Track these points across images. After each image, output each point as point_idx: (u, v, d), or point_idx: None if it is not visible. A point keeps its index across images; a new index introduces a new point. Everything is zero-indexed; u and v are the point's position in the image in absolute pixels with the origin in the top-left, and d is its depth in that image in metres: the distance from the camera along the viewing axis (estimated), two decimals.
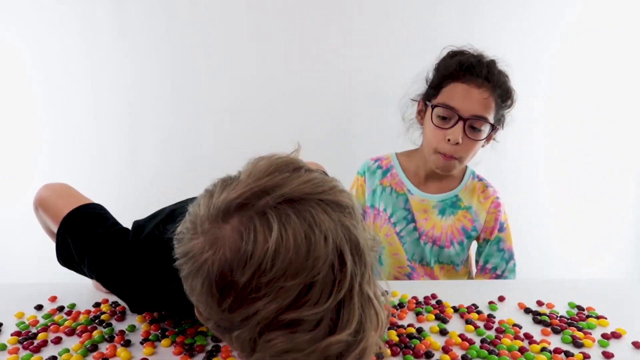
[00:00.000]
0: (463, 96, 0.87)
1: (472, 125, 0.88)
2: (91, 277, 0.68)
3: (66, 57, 1.38)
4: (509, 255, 1.00)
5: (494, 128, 0.91)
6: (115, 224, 0.68)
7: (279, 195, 0.38)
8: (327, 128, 1.42)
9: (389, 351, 0.59)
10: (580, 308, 0.74)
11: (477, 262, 1.04)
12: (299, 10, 1.36)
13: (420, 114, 0.98)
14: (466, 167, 1.04)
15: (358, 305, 0.38)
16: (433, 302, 0.77)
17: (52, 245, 0.80)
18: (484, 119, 0.88)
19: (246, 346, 0.39)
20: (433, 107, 0.91)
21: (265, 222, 0.37)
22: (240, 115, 1.42)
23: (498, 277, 1.00)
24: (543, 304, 0.76)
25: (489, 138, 0.94)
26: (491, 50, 1.39)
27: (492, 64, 0.91)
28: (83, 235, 0.65)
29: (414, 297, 0.78)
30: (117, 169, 1.45)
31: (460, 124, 0.87)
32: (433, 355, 0.59)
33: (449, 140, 0.88)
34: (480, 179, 1.03)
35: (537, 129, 1.47)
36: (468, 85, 0.87)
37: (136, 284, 0.62)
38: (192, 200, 0.75)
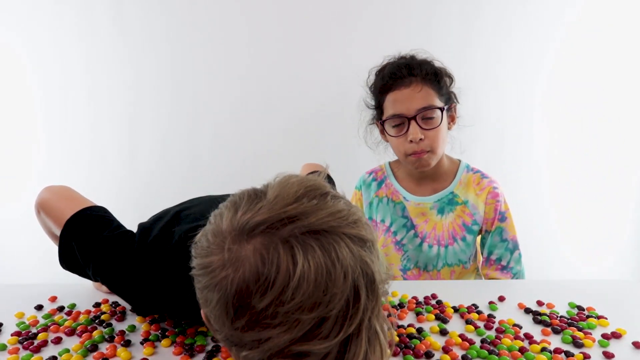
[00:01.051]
0: (401, 100, 0.92)
1: (423, 118, 0.92)
2: (95, 281, 0.68)
3: (64, 57, 1.38)
4: (513, 245, 0.99)
5: (446, 109, 0.95)
6: (120, 226, 0.68)
7: (305, 225, 0.37)
8: (328, 128, 1.42)
9: None
10: (580, 308, 0.74)
11: (482, 254, 1.03)
12: (299, 11, 1.36)
13: (383, 133, 1.03)
14: (459, 162, 1.05)
15: (365, 340, 0.38)
16: (433, 302, 0.77)
17: (52, 245, 0.80)
18: (429, 107, 0.92)
19: None
20: (383, 122, 0.97)
21: (289, 251, 0.36)
22: (240, 116, 1.42)
23: (504, 268, 0.98)
24: (543, 304, 0.76)
25: (452, 119, 0.99)
26: (492, 50, 1.40)
27: (410, 60, 0.97)
28: (87, 238, 0.65)
29: (414, 297, 0.78)
30: (116, 170, 1.45)
31: (413, 123, 0.91)
32: (433, 355, 0.59)
33: (411, 141, 0.92)
34: (476, 171, 1.03)
35: (537, 129, 1.47)
36: (399, 90, 0.93)
37: (143, 287, 0.61)
38: (196, 200, 0.75)
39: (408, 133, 0.92)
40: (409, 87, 0.92)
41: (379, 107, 0.99)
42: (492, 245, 0.99)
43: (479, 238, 1.06)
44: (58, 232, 0.68)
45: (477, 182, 1.01)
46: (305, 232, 0.37)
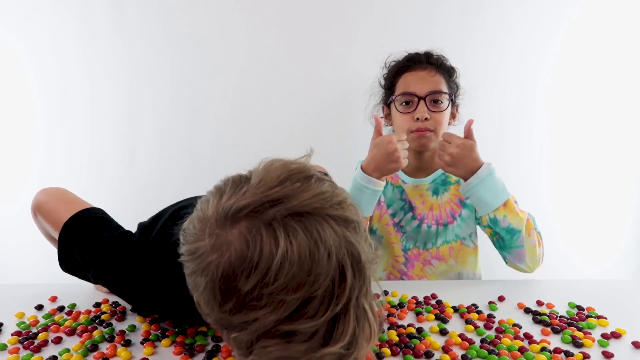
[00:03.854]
0: (415, 81, 1.00)
1: (431, 101, 0.99)
2: (96, 283, 0.68)
3: (63, 57, 1.38)
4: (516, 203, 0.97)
5: (451, 99, 1.02)
6: (119, 227, 0.68)
7: (288, 208, 0.38)
8: (327, 128, 1.42)
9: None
10: (580, 308, 0.74)
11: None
12: (299, 10, 1.36)
13: (387, 117, 1.10)
14: None
15: (353, 318, 0.39)
16: (433, 302, 0.77)
17: (51, 245, 0.80)
18: (440, 92, 1.00)
19: (243, 347, 0.39)
20: (395, 98, 1.02)
21: (272, 234, 0.37)
22: (240, 116, 1.42)
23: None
24: (543, 304, 0.76)
25: (453, 116, 1.06)
26: (492, 50, 1.40)
27: (428, 53, 1.05)
28: (87, 240, 0.64)
29: (414, 297, 0.78)
30: (115, 169, 1.45)
31: (422, 102, 0.98)
32: (433, 355, 0.59)
33: (417, 119, 0.98)
34: None
35: (537, 129, 1.47)
36: (415, 72, 1.02)
37: (145, 287, 0.61)
38: (195, 199, 0.75)
39: (415, 111, 0.98)
40: (424, 70, 1.01)
41: (390, 87, 1.06)
42: None
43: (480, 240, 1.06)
44: (56, 235, 0.68)
45: None
46: (288, 214, 0.38)
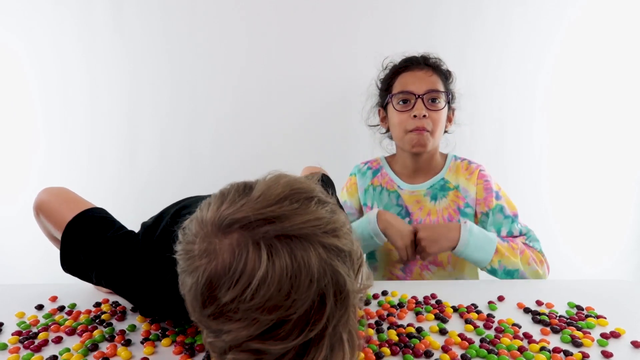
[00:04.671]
0: (413, 80, 1.01)
1: (430, 99, 0.99)
2: (99, 284, 0.67)
3: (63, 57, 1.38)
4: (517, 220, 1.00)
5: (448, 100, 1.03)
6: (122, 227, 0.67)
7: (278, 229, 0.38)
8: (327, 127, 1.42)
9: None
10: (579, 308, 0.74)
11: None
12: (299, 10, 1.36)
13: (383, 120, 1.10)
14: (447, 154, 1.10)
15: (327, 346, 0.39)
16: (433, 301, 0.77)
17: (52, 245, 0.80)
18: (438, 90, 1.00)
19: (216, 351, 0.40)
20: (392, 97, 1.02)
21: (256, 252, 0.37)
22: (239, 116, 1.42)
23: (516, 237, 0.98)
24: (542, 303, 0.76)
25: (449, 119, 1.06)
26: (492, 50, 1.40)
27: (425, 55, 1.06)
28: (91, 240, 0.64)
29: (414, 297, 0.78)
30: (115, 169, 1.45)
31: (419, 100, 0.98)
32: (433, 354, 0.59)
33: (414, 116, 0.98)
34: (463, 159, 1.09)
35: (537, 129, 1.47)
36: (413, 72, 1.02)
37: (149, 287, 0.61)
38: (197, 198, 0.75)
39: (414, 109, 0.98)
40: (422, 70, 1.02)
41: (387, 89, 1.05)
42: (498, 223, 1.00)
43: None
44: (58, 235, 0.67)
45: (465, 168, 1.06)
46: (278, 235, 0.38)
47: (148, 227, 0.65)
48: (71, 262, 0.66)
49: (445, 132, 1.07)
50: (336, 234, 0.40)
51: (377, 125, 1.14)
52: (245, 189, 0.43)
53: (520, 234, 0.99)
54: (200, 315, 0.40)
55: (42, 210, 0.72)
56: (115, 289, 0.65)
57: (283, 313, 0.37)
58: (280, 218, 0.39)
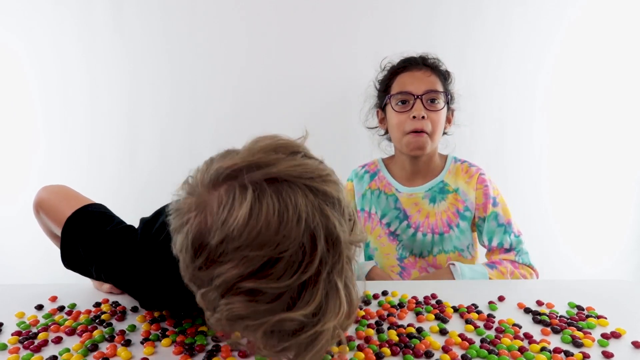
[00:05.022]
0: (411, 80, 1.00)
1: (428, 100, 0.99)
2: (99, 278, 0.68)
3: (63, 57, 1.38)
4: (511, 228, 1.00)
5: (447, 100, 1.02)
6: (121, 222, 0.68)
7: (266, 173, 0.39)
8: (327, 127, 1.42)
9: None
10: (580, 308, 0.74)
11: (482, 244, 1.04)
12: (299, 10, 1.36)
13: (382, 121, 1.09)
14: (447, 155, 1.09)
15: (322, 292, 0.39)
16: (433, 301, 0.77)
17: (52, 244, 0.80)
18: (437, 91, 0.99)
19: (210, 305, 0.41)
20: (390, 97, 1.02)
21: (243, 193, 0.39)
22: (239, 116, 1.42)
23: (508, 250, 0.99)
24: (543, 303, 0.76)
25: (448, 120, 1.05)
26: (492, 50, 1.40)
27: (423, 56, 1.05)
28: (90, 234, 0.64)
29: (414, 297, 0.78)
30: (115, 169, 1.45)
31: (418, 101, 0.97)
32: (433, 355, 0.59)
33: (414, 117, 0.97)
34: (463, 162, 1.07)
35: (538, 129, 1.47)
36: (411, 72, 1.01)
37: (149, 279, 0.62)
38: None
39: (412, 110, 0.97)
40: (420, 70, 1.01)
41: (385, 90, 1.05)
42: (490, 232, 1.00)
43: (475, 234, 1.06)
44: (58, 232, 0.68)
45: (465, 171, 1.05)
46: (265, 178, 0.39)
47: (147, 222, 0.66)
48: (71, 258, 0.67)
49: (445, 133, 1.06)
50: (324, 179, 0.41)
51: (376, 127, 1.13)
52: (233, 149, 0.45)
53: (510, 247, 0.99)
54: (192, 270, 0.41)
55: (42, 207, 0.72)
56: (114, 282, 0.66)
57: (274, 249, 0.37)
58: (266, 164, 0.40)
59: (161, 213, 0.67)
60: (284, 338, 0.40)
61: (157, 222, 0.64)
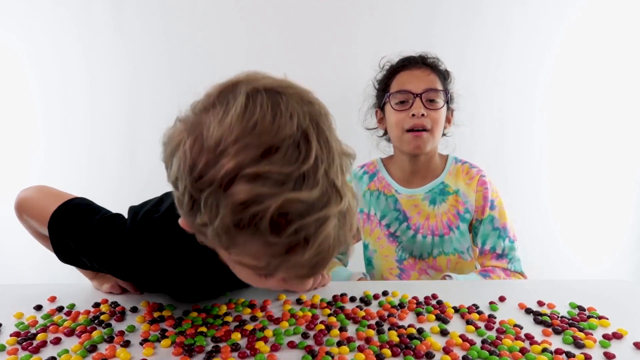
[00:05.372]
0: (410, 79, 0.99)
1: (428, 99, 0.98)
2: (92, 268, 0.68)
3: (63, 57, 1.38)
4: (505, 233, 1.00)
5: (447, 100, 1.01)
6: (107, 212, 0.68)
7: (261, 85, 0.42)
8: None
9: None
10: (581, 308, 0.74)
11: (475, 245, 1.04)
12: (299, 10, 1.36)
13: (381, 121, 1.08)
14: (447, 156, 1.08)
15: (322, 187, 0.40)
16: (434, 302, 0.77)
17: (42, 245, 0.79)
18: (436, 89, 0.98)
19: (213, 213, 0.40)
20: (389, 96, 1.01)
21: (237, 95, 0.41)
22: None
23: (499, 256, 0.99)
24: (544, 304, 0.75)
25: (448, 120, 1.04)
26: (492, 50, 1.39)
27: (423, 54, 1.04)
28: (78, 226, 0.65)
29: (415, 298, 0.78)
30: (115, 170, 1.45)
31: (418, 99, 0.97)
32: (434, 355, 0.59)
33: (413, 115, 0.96)
34: (464, 162, 1.06)
35: (538, 129, 1.47)
36: (410, 71, 1.01)
37: (140, 262, 0.62)
38: None
39: (412, 108, 0.97)
40: (420, 69, 1.00)
41: (384, 89, 1.04)
42: (485, 235, 1.00)
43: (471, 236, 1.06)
44: (44, 231, 0.67)
45: (466, 172, 1.04)
46: (260, 89, 0.42)
47: (135, 208, 0.67)
48: (64, 251, 0.67)
49: (444, 134, 1.05)
50: (317, 101, 0.44)
51: (375, 127, 1.12)
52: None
53: (503, 252, 0.99)
54: (191, 182, 0.41)
55: (23, 209, 0.72)
56: (108, 269, 0.66)
57: (272, 137, 0.39)
58: (258, 80, 0.43)
59: (149, 201, 0.69)
60: (293, 220, 0.39)
61: (143, 208, 0.65)
